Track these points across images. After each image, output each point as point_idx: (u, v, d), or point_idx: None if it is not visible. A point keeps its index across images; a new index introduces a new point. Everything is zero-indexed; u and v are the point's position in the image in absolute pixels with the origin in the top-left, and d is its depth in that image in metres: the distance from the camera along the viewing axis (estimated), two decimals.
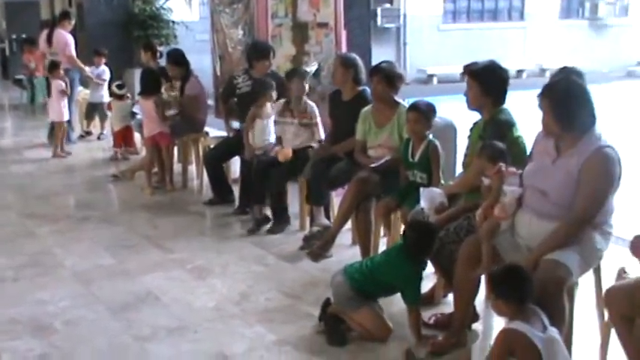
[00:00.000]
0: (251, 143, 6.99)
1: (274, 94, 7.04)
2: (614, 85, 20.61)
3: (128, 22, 17.27)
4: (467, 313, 4.49)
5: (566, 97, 3.98)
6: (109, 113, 11.39)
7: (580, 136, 3.98)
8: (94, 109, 12.19)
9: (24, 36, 20.16)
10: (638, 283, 3.68)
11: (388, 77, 5.76)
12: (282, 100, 6.89)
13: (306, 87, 6.82)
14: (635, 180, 4.84)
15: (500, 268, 3.83)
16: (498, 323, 4.20)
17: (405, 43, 22.83)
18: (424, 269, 4.60)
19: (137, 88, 9.81)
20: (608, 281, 4.05)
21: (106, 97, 11.59)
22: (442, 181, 5.22)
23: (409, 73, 21.70)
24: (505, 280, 3.70)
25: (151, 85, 8.49)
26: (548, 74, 18.41)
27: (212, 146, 8.17)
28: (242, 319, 4.92)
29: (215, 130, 9.20)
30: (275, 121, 6.92)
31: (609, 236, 4.13)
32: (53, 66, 10.86)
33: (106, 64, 12.08)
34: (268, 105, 7.03)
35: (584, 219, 3.95)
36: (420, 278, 4.56)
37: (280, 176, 6.61)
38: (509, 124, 4.67)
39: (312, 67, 7.71)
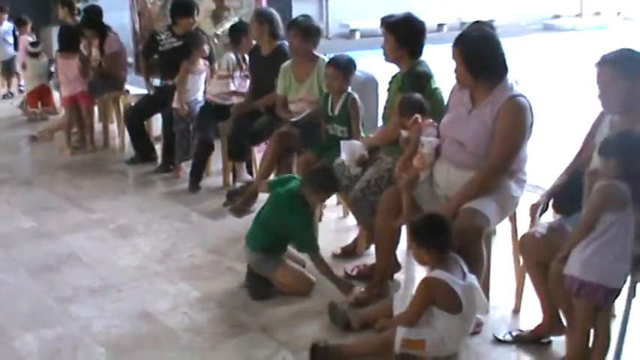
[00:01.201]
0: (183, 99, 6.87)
1: (207, 49, 6.96)
2: (531, 37, 20.92)
3: None
4: (388, 264, 4.57)
5: (477, 48, 4.04)
6: (20, 72, 11.12)
7: (493, 86, 4.05)
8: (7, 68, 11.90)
9: None
10: (550, 228, 3.78)
11: (304, 31, 5.74)
12: (232, 55, 6.78)
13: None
14: (547, 129, 4.94)
15: (420, 217, 3.89)
16: (420, 273, 4.31)
17: None
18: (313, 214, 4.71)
19: (55, 46, 9.62)
20: (524, 228, 4.15)
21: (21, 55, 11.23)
22: (362, 134, 5.26)
23: (332, 28, 21.64)
24: (426, 229, 3.77)
25: (69, 42, 8.30)
26: None
27: (133, 104, 8.04)
28: (166, 277, 4.91)
29: (135, 88, 9.05)
30: (232, 77, 6.82)
31: (524, 184, 4.23)
32: None
33: (11, 19, 11.74)
34: (201, 61, 6.96)
35: (499, 167, 4.04)
36: (311, 223, 4.65)
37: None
38: (427, 76, 4.72)
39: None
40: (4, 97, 11.85)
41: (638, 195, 3.30)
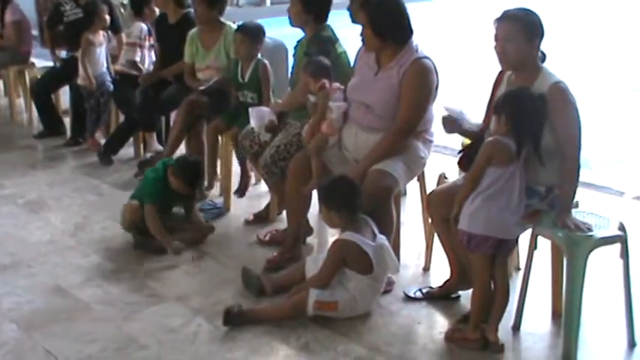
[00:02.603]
0: (89, 73, 6.75)
1: (107, 19, 6.83)
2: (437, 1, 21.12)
3: None
4: (300, 228, 4.62)
5: (381, 11, 4.08)
6: None
7: (399, 48, 4.11)
8: None
9: None
10: (455, 186, 3.87)
11: None
12: (143, 25, 6.65)
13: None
14: (451, 90, 5.01)
15: (328, 181, 3.95)
16: (332, 236, 4.37)
17: None
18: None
19: None
20: (431, 187, 4.25)
21: None
22: (272, 100, 5.27)
23: None
24: (335, 191, 3.83)
25: None
26: None
27: (39, 77, 7.86)
28: (78, 250, 4.86)
29: (42, 61, 8.84)
30: (142, 46, 6.70)
31: (430, 144, 4.32)
32: None
33: None
34: (101, 32, 6.84)
35: (406, 128, 4.11)
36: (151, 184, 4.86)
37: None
38: (332, 40, 4.76)
39: None
40: None
41: (528, 149, 3.41)
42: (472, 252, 3.49)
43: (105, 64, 6.88)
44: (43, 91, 7.56)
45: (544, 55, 3.67)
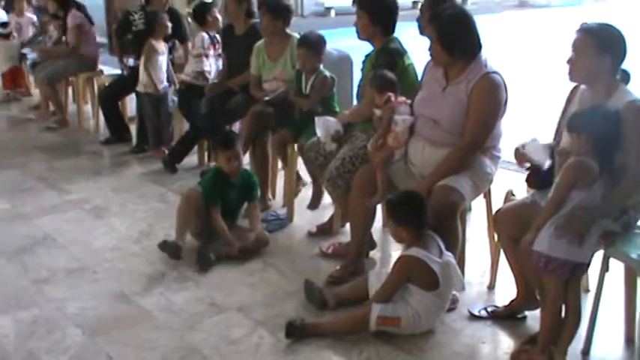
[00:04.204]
0: (154, 78, 6.86)
1: (168, 28, 6.91)
2: (506, 14, 20.95)
3: None
4: (363, 242, 4.58)
5: (452, 26, 4.04)
6: None
7: (467, 63, 4.06)
8: None
9: None
10: (524, 204, 3.81)
11: (273, 10, 5.69)
12: (204, 34, 6.72)
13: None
14: (520, 106, 4.96)
15: (398, 195, 3.90)
16: (395, 250, 4.33)
17: None
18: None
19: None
20: (498, 204, 4.18)
21: None
22: (337, 110, 5.26)
23: (307, 6, 21.57)
24: (403, 206, 3.79)
25: None
26: None
27: (107, 84, 7.99)
28: (142, 258, 4.90)
29: (109, 68, 8.99)
30: (206, 55, 6.76)
31: (498, 160, 4.25)
32: None
33: None
34: (162, 41, 6.92)
35: (474, 144, 4.05)
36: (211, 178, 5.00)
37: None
38: (400, 53, 4.72)
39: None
40: None
41: (607, 170, 3.32)
42: (548, 275, 3.39)
43: (165, 75, 6.96)
44: (110, 98, 7.68)
45: (628, 76, 3.57)
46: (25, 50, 9.82)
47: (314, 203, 5.56)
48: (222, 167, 4.93)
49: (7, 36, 9.96)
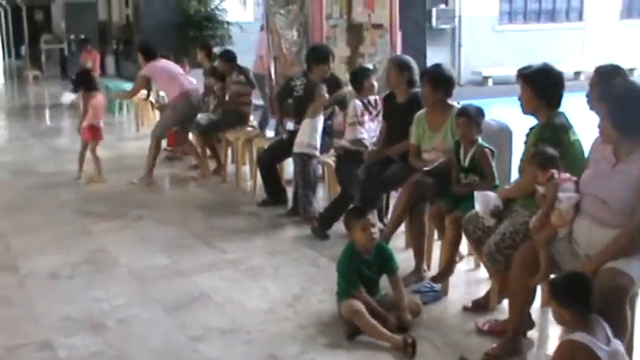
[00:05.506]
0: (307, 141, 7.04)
1: (325, 97, 7.07)
2: None
3: (184, 22, 17.42)
4: (522, 320, 4.43)
5: (622, 105, 3.90)
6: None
7: (639, 141, 3.90)
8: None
9: (82, 36, 20.55)
10: None
11: (433, 80, 5.70)
12: (357, 101, 6.84)
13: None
14: None
15: (562, 276, 3.76)
16: (554, 332, 4.15)
17: (460, 45, 22.60)
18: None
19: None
20: None
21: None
22: (497, 182, 5.17)
23: (464, 75, 21.55)
24: (569, 288, 3.62)
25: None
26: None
27: (266, 147, 8.19)
28: (295, 321, 4.92)
29: (269, 131, 9.25)
30: (361, 123, 6.85)
31: None
32: None
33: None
34: (321, 109, 7.10)
35: None
36: (345, 267, 4.88)
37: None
38: (565, 128, 4.60)
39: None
40: None
41: None
42: None
43: (320, 140, 7.06)
44: (268, 161, 7.85)
45: None
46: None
47: (441, 275, 5.35)
48: (357, 239, 4.85)
49: None
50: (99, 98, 9.23)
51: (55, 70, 24.61)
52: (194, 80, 9.61)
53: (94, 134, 9.20)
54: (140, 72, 9.39)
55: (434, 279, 5.35)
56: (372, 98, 6.80)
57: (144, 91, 11.80)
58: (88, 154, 9.24)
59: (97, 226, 7.27)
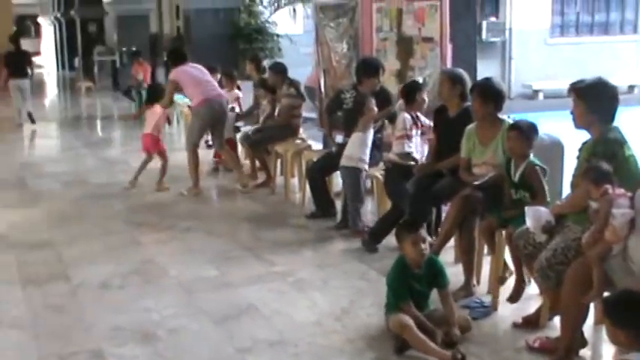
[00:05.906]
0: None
1: (374, 111, 7.05)
2: None
3: (234, 35, 17.55)
4: (574, 338, 4.36)
5: None
6: None
7: None
8: None
9: (133, 48, 20.80)
10: None
11: (483, 94, 5.67)
12: (406, 115, 6.82)
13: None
14: None
15: (616, 294, 3.67)
16: (608, 351, 4.08)
17: (510, 58, 22.42)
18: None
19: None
20: None
21: None
22: (548, 199, 5.10)
23: (514, 89, 21.38)
24: (623, 307, 3.53)
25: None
26: None
27: (315, 160, 8.20)
28: (343, 335, 4.91)
29: (318, 144, 9.26)
30: (407, 136, 6.81)
31: None
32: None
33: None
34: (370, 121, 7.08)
35: None
36: (394, 281, 4.89)
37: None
38: (620, 143, 4.52)
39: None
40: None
41: None
42: None
43: (368, 155, 7.05)
44: (318, 173, 7.85)
45: None
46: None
47: (514, 297, 5.26)
48: (407, 254, 4.84)
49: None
50: (158, 110, 9.35)
51: (107, 82, 24.96)
52: (219, 89, 9.60)
53: (154, 144, 9.40)
54: (169, 76, 9.51)
55: (510, 300, 5.25)
56: (419, 114, 6.77)
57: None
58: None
59: (146, 236, 7.36)
